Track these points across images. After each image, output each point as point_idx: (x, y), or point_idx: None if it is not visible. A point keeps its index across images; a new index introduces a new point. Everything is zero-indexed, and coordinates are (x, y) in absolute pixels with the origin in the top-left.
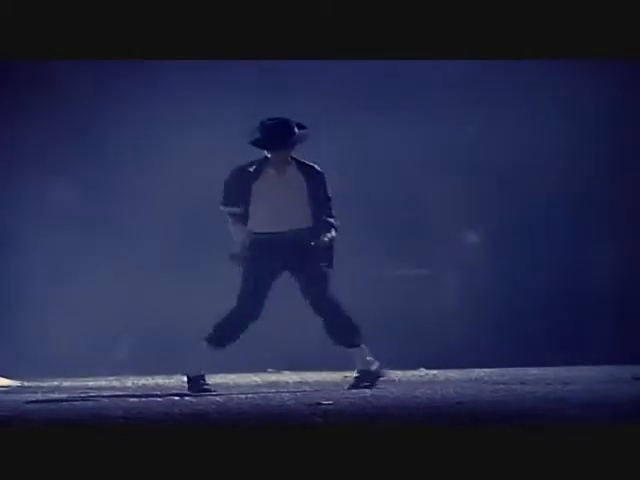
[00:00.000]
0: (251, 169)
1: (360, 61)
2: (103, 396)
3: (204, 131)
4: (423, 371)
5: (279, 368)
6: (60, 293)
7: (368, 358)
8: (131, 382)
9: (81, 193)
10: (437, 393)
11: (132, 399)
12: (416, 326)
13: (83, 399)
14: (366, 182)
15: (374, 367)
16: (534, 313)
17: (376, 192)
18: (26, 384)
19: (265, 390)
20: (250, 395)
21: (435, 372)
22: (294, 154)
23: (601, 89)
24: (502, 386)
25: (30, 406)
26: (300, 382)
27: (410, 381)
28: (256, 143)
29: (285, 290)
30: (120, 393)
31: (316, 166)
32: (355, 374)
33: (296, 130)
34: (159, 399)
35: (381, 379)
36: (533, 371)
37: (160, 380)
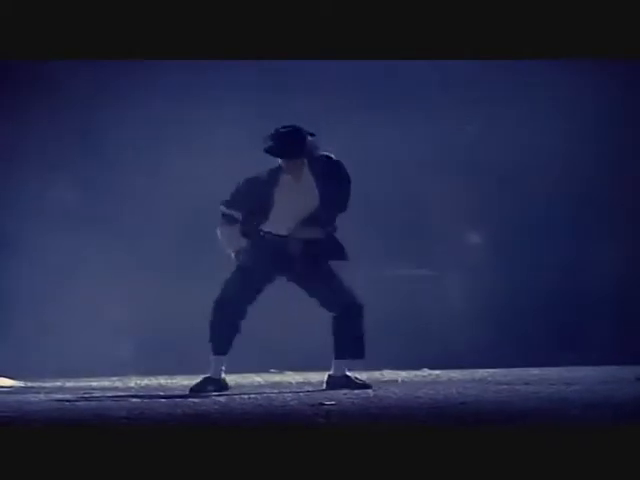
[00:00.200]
0: (268, 177)
1: (360, 61)
2: (106, 396)
3: (204, 131)
4: (426, 371)
5: (282, 368)
6: (61, 293)
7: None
8: (134, 382)
9: (81, 193)
10: (440, 393)
11: (135, 399)
12: (418, 326)
13: (86, 399)
14: (366, 182)
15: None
16: (535, 313)
17: (376, 192)
18: (29, 384)
19: (268, 390)
20: (253, 395)
21: (438, 372)
22: None
23: (601, 89)
24: (505, 386)
25: (33, 406)
26: (303, 382)
27: (413, 381)
28: (270, 151)
29: (288, 291)
30: (123, 393)
31: (332, 156)
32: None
33: (309, 137)
34: (162, 399)
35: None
36: (535, 371)
37: (163, 380)
